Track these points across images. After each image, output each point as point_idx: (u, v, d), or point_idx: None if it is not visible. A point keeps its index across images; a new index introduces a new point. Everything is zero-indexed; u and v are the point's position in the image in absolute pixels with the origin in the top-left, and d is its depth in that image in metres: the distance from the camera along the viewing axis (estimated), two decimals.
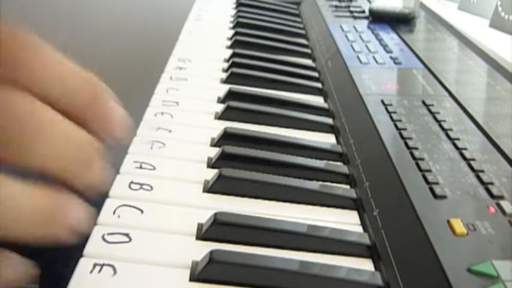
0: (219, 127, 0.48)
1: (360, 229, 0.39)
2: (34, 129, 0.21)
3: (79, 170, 0.23)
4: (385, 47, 0.64)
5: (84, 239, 0.32)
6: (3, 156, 0.21)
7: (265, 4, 0.88)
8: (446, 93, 0.52)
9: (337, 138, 0.51)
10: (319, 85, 0.61)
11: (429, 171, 0.39)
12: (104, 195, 0.36)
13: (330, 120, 0.53)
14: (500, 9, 0.74)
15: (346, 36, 0.68)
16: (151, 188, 0.39)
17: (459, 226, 0.33)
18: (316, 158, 0.45)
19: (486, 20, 0.78)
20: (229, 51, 0.67)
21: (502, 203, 0.35)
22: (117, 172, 0.41)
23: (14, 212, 0.21)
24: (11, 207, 0.21)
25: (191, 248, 0.34)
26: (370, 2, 0.80)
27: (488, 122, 0.46)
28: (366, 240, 0.36)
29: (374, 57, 0.61)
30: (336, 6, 0.82)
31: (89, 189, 0.24)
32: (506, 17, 0.73)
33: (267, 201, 0.40)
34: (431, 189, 0.37)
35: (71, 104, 0.22)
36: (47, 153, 0.21)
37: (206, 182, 0.41)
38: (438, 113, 0.47)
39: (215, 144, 0.47)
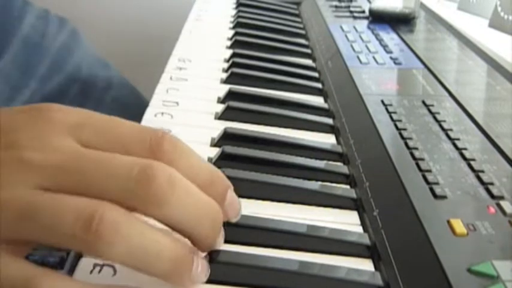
0: (219, 127, 0.48)
1: (360, 229, 0.39)
2: (173, 190, 0.27)
3: (207, 232, 0.29)
4: (385, 47, 0.64)
5: None
6: (151, 214, 0.27)
7: (265, 4, 0.88)
8: (446, 93, 0.52)
9: (337, 139, 0.51)
10: (319, 85, 0.61)
11: (429, 171, 0.39)
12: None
13: (330, 121, 0.53)
14: (499, 9, 0.74)
15: (346, 36, 0.68)
16: None
17: (459, 226, 0.33)
18: (316, 158, 0.45)
19: (485, 20, 0.78)
20: (230, 51, 0.67)
21: (502, 203, 0.35)
22: None
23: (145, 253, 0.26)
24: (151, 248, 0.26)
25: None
26: (370, 2, 0.80)
27: (488, 122, 0.46)
28: (365, 240, 0.36)
29: (374, 58, 0.61)
30: (336, 6, 0.82)
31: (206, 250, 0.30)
32: (505, 17, 0.73)
33: (267, 201, 0.40)
34: (432, 189, 0.37)
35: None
36: (184, 214, 0.27)
37: None
38: (438, 113, 0.47)
39: (215, 144, 0.47)
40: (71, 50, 0.75)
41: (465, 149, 0.42)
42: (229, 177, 0.40)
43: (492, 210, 0.35)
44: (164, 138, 0.29)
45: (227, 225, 0.35)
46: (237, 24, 0.78)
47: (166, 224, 0.28)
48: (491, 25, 0.75)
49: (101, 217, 0.25)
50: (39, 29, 0.70)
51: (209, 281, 0.32)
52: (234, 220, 0.32)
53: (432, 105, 0.49)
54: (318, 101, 0.58)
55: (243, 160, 0.43)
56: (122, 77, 0.82)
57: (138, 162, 0.27)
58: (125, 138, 0.29)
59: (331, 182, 0.43)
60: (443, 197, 0.36)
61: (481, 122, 0.46)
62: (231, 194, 0.31)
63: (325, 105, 0.56)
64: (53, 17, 0.75)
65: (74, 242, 0.25)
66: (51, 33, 0.72)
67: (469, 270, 0.30)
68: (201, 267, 0.29)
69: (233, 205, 0.31)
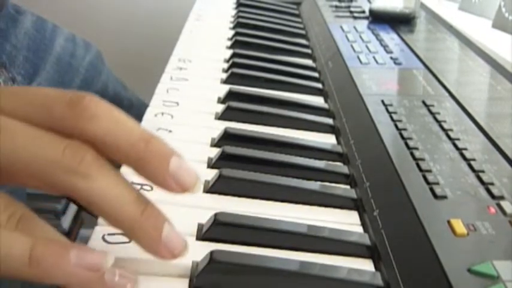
0: (219, 127, 0.48)
1: (360, 229, 0.39)
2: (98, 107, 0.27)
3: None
4: (385, 47, 0.64)
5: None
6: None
7: (265, 4, 0.88)
8: (446, 94, 0.52)
9: (337, 139, 0.51)
10: (319, 85, 0.61)
11: (429, 171, 0.39)
12: None
13: (330, 121, 0.53)
14: (503, 9, 0.74)
15: (346, 36, 0.68)
16: (152, 188, 0.39)
17: (459, 226, 0.33)
18: (317, 158, 0.45)
19: (486, 20, 0.78)
20: (230, 52, 0.67)
21: (503, 203, 0.35)
22: None
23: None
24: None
25: (191, 248, 0.34)
26: (370, 2, 0.80)
27: (489, 122, 0.46)
28: (366, 240, 0.36)
29: (374, 58, 0.61)
30: (336, 7, 0.82)
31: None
32: (510, 17, 0.73)
33: (267, 202, 0.40)
34: (432, 190, 0.37)
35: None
36: (117, 128, 0.27)
37: (206, 182, 0.41)
38: (438, 113, 0.47)
39: (215, 144, 0.47)
40: (98, 70, 0.79)
41: (465, 149, 0.42)
42: (229, 177, 0.40)
43: (492, 210, 0.35)
44: (85, 97, 0.27)
45: (228, 225, 0.35)
46: (237, 24, 0.78)
47: (103, 140, 0.27)
48: (495, 26, 0.75)
49: (86, 151, 0.26)
50: (68, 50, 0.74)
51: None
52: (192, 191, 0.29)
53: (432, 106, 0.49)
54: (318, 101, 0.58)
55: (243, 160, 0.43)
56: (138, 97, 0.87)
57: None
58: (43, 97, 0.28)
59: (332, 182, 0.43)
60: (444, 197, 0.36)
61: (481, 122, 0.46)
62: (176, 160, 0.27)
63: (326, 106, 0.56)
64: (79, 40, 0.79)
65: (58, 166, 0.25)
66: (80, 54, 0.76)
67: (470, 271, 0.30)
68: (174, 235, 0.28)
69: (182, 171, 0.28)
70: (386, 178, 0.40)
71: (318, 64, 0.67)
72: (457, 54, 0.63)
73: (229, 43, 0.72)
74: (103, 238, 0.34)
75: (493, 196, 0.36)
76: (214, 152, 0.45)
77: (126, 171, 0.41)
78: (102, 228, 0.34)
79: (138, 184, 0.39)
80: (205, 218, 0.36)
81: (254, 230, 0.36)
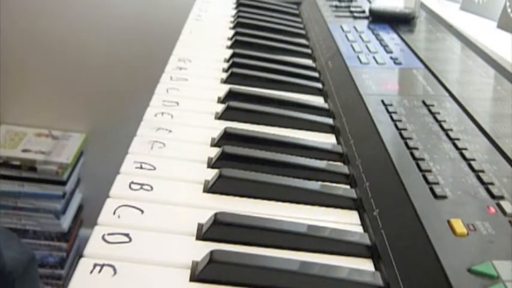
0: (219, 127, 0.48)
1: (360, 229, 0.39)
2: None
3: None
4: (385, 47, 0.64)
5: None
6: None
7: (265, 4, 0.88)
8: (446, 94, 0.52)
9: (337, 139, 0.51)
10: (319, 85, 0.61)
11: (429, 171, 0.39)
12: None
13: (330, 121, 0.53)
14: (509, 10, 0.74)
15: (346, 36, 0.68)
16: (152, 188, 0.39)
17: (459, 226, 0.33)
18: (317, 158, 0.45)
19: (489, 20, 0.78)
20: (230, 51, 0.67)
21: (503, 203, 0.35)
22: (118, 172, 0.41)
23: None
24: None
25: (191, 248, 0.34)
26: (370, 2, 0.80)
27: (489, 122, 0.46)
28: (366, 240, 0.36)
29: (374, 57, 0.61)
30: (336, 6, 0.82)
31: None
32: None
33: (267, 201, 0.40)
34: (432, 189, 0.37)
35: None
36: None
37: (206, 182, 0.41)
38: (438, 113, 0.47)
39: (215, 144, 0.47)
40: None
41: (465, 149, 0.42)
42: (229, 177, 0.40)
43: (492, 210, 0.35)
44: None
45: (227, 225, 0.35)
46: (237, 24, 0.78)
47: None
48: (500, 26, 0.75)
49: None
50: None
51: (209, 281, 0.32)
52: None
53: (432, 105, 0.49)
54: (318, 101, 0.58)
55: (243, 160, 0.43)
56: None
57: None
58: None
59: (332, 182, 0.43)
60: (444, 197, 0.36)
61: (481, 122, 0.46)
62: None
63: (325, 105, 0.56)
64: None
65: None
66: None
67: (469, 270, 0.30)
68: None
69: None
70: (386, 178, 0.40)
71: (318, 64, 0.67)
72: (457, 54, 0.63)
73: (229, 43, 0.72)
74: (103, 238, 0.34)
75: (493, 196, 0.36)
76: (214, 152, 0.45)
77: (126, 171, 0.41)
78: (102, 228, 0.34)
79: (138, 184, 0.40)
80: (205, 218, 0.36)
81: (254, 230, 0.36)
